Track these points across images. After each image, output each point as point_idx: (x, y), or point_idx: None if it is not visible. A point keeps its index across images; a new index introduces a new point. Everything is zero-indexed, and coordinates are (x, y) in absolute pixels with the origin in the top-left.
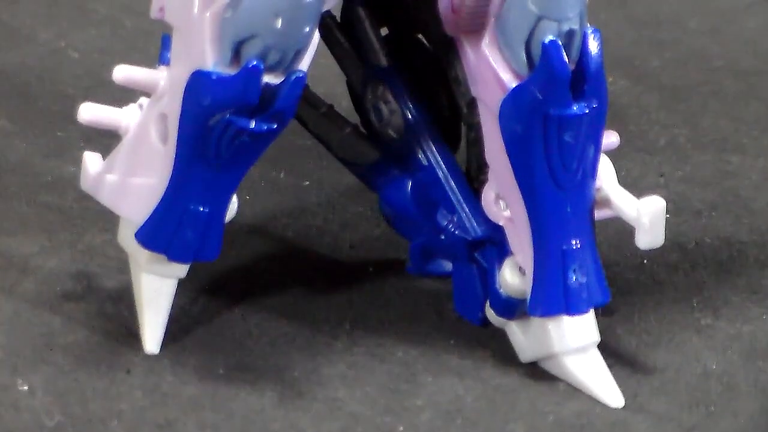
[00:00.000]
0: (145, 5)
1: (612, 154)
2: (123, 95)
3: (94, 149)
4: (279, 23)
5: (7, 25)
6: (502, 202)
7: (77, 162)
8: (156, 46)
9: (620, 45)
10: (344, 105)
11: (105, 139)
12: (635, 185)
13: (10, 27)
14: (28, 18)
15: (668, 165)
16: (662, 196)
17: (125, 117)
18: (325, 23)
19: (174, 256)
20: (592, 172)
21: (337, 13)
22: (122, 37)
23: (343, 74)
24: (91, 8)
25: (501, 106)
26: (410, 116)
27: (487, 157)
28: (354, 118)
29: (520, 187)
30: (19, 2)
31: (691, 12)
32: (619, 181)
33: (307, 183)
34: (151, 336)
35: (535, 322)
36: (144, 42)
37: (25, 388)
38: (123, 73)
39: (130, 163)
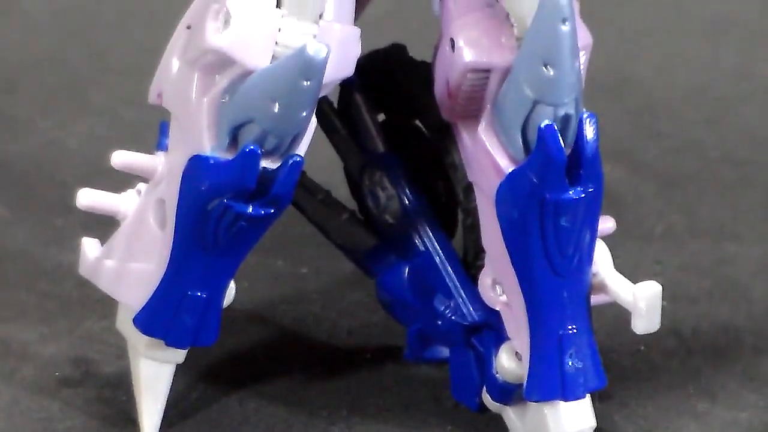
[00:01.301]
0: (144, 96)
1: (609, 243)
2: (121, 185)
3: (92, 237)
4: (276, 108)
5: (6, 114)
6: (499, 287)
7: (76, 250)
8: (154, 137)
9: (617, 134)
10: (342, 192)
11: (104, 228)
12: (632, 273)
13: (9, 116)
14: (26, 108)
15: (665, 253)
16: (659, 284)
17: (123, 202)
18: (323, 109)
19: (172, 342)
20: (588, 257)
21: (335, 99)
22: (120, 127)
23: (340, 161)
24: (90, 99)
25: (497, 191)
26: (407, 202)
27: (483, 242)
28: (351, 204)
29: (516, 272)
30: (18, 92)
31: (687, 102)
32: (615, 269)
33: (305, 270)
34: (149, 422)
35: (532, 407)
36: (142, 133)
37: None
38: (121, 158)
39: (129, 249)
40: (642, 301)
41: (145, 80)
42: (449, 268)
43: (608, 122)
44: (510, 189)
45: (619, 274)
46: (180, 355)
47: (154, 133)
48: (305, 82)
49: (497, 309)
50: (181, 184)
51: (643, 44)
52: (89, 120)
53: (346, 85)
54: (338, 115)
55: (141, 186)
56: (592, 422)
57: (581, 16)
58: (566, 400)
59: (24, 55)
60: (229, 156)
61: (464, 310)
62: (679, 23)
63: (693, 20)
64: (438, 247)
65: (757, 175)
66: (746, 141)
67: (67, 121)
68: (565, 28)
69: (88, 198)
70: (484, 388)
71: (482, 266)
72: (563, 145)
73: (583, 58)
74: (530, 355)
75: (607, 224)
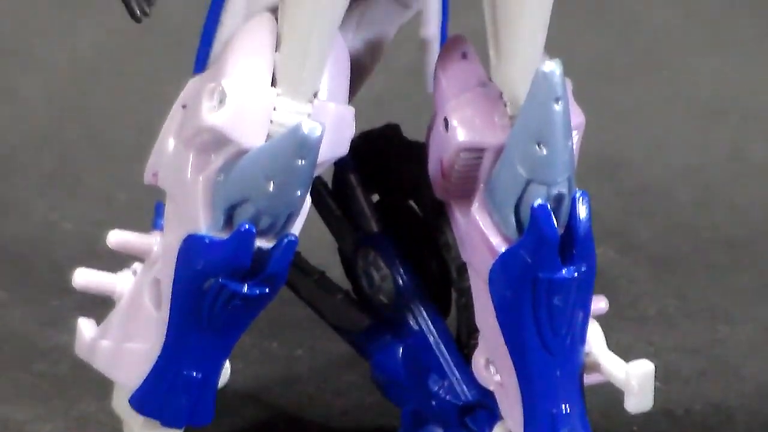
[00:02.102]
0: (139, 179)
1: (602, 325)
2: (116, 267)
3: (88, 318)
4: (271, 187)
5: (1, 197)
6: (493, 366)
7: (71, 331)
8: (149, 219)
9: (609, 217)
10: (336, 273)
11: (99, 309)
12: (625, 354)
13: (5, 199)
14: (22, 190)
15: (658, 334)
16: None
17: (119, 282)
18: (317, 190)
19: (168, 421)
20: (581, 336)
21: (329, 179)
22: (115, 209)
23: (334, 241)
24: (85, 181)
25: (491, 270)
26: (401, 282)
27: (477, 321)
28: (345, 284)
29: (510, 351)
30: (13, 174)
31: (679, 184)
32: (609, 350)
33: (300, 352)
34: None
35: None
36: (137, 215)
37: None
38: (117, 237)
39: (124, 329)
40: (634, 379)
41: (139, 163)
42: (443, 347)
43: (601, 203)
44: (503, 268)
45: (612, 353)
46: None
47: (149, 215)
48: (300, 161)
49: (491, 389)
50: (176, 263)
51: (635, 126)
52: (84, 202)
53: (340, 165)
54: (332, 195)
55: (137, 266)
56: None
57: (574, 95)
58: None
59: (19, 137)
60: (224, 235)
61: (458, 390)
62: (672, 105)
63: (685, 103)
64: (432, 327)
65: (749, 257)
66: (738, 223)
67: (62, 203)
68: (558, 107)
69: (83, 278)
70: None
71: (476, 345)
72: (556, 225)
73: (576, 137)
74: None
75: (599, 304)
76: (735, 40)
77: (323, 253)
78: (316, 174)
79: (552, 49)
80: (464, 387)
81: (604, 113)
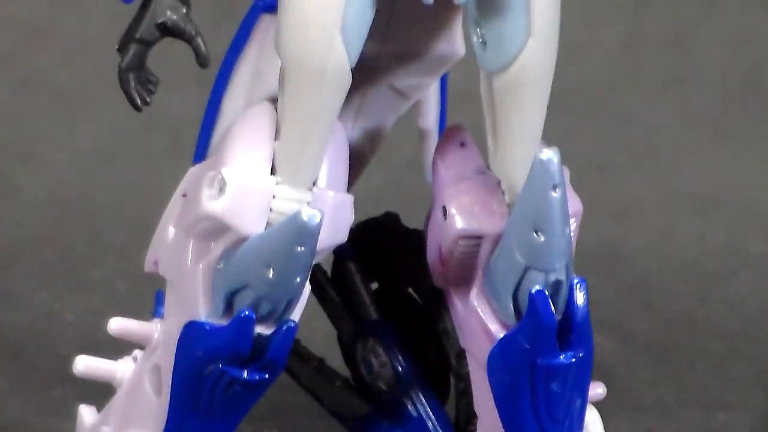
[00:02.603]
0: (139, 270)
1: (600, 412)
2: (117, 357)
3: (89, 405)
4: (270, 274)
5: (2, 287)
6: None
7: (73, 419)
8: (149, 310)
9: (608, 307)
10: (335, 360)
11: (100, 397)
12: None
13: (8, 290)
14: (23, 282)
15: (655, 422)
16: None
17: (119, 369)
18: (316, 277)
19: None
20: (579, 422)
21: (328, 267)
22: (116, 300)
23: (333, 330)
24: (86, 274)
25: (489, 356)
26: (400, 369)
27: (475, 407)
28: (344, 371)
29: None
30: (15, 267)
31: (677, 276)
32: None
33: None
34: None
35: None
36: (138, 305)
37: None
38: (118, 324)
39: (125, 415)
40: None
41: (139, 255)
42: None
43: (599, 295)
44: (501, 354)
45: None
46: None
47: (150, 305)
48: (299, 248)
49: None
50: (177, 349)
51: (633, 219)
52: (85, 294)
53: (339, 253)
54: (331, 283)
55: (137, 353)
56: None
57: (571, 184)
58: None
59: (21, 231)
60: (224, 322)
61: None
62: (669, 199)
63: (682, 197)
64: (430, 413)
65: (746, 347)
66: (735, 314)
67: (63, 294)
68: (556, 194)
69: (84, 364)
70: None
71: (474, 431)
72: (554, 311)
73: (573, 224)
74: None
75: (597, 390)
76: (730, 136)
77: (322, 340)
78: (315, 261)
79: (551, 143)
80: None
81: (602, 206)
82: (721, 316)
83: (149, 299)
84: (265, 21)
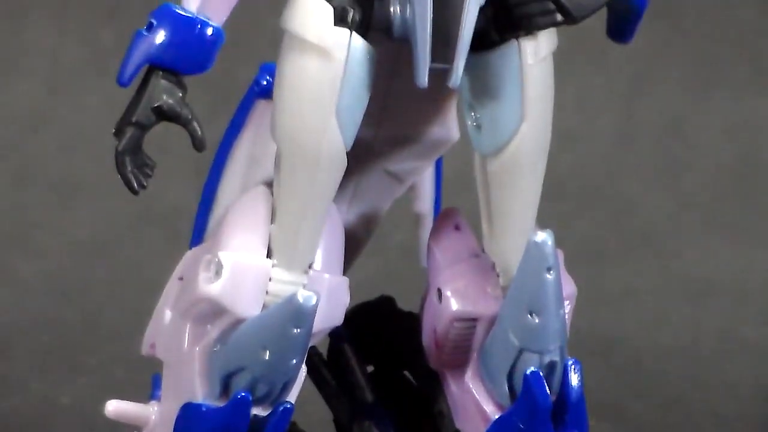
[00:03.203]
0: (135, 355)
1: None
2: None
3: None
4: (267, 356)
5: (1, 374)
6: None
7: None
8: (146, 394)
9: (603, 391)
10: None
11: None
12: None
13: (4, 376)
14: (20, 367)
15: None
16: None
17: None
18: (312, 359)
19: None
20: None
21: (324, 350)
22: (113, 385)
23: (329, 412)
24: (82, 359)
25: None
26: None
27: None
28: None
29: None
30: (11, 352)
31: (672, 360)
32: None
33: None
34: None
35: None
36: (134, 390)
37: None
38: (115, 407)
39: None
40: None
41: (135, 340)
42: None
43: (595, 378)
44: None
45: None
46: None
47: (146, 389)
48: (295, 330)
49: None
50: (174, 431)
51: (628, 304)
52: (81, 378)
53: (335, 335)
54: (327, 365)
55: None
56: None
57: (565, 267)
58: None
59: (18, 317)
60: (220, 403)
61: None
62: (665, 285)
63: (677, 283)
64: None
65: (742, 429)
66: (730, 397)
67: (60, 379)
68: (550, 276)
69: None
70: None
71: None
72: (549, 392)
73: (567, 306)
74: None
75: None
76: (724, 222)
77: (318, 422)
78: (311, 344)
79: (548, 229)
80: None
81: (598, 292)
82: (716, 399)
83: (146, 384)
84: (261, 106)
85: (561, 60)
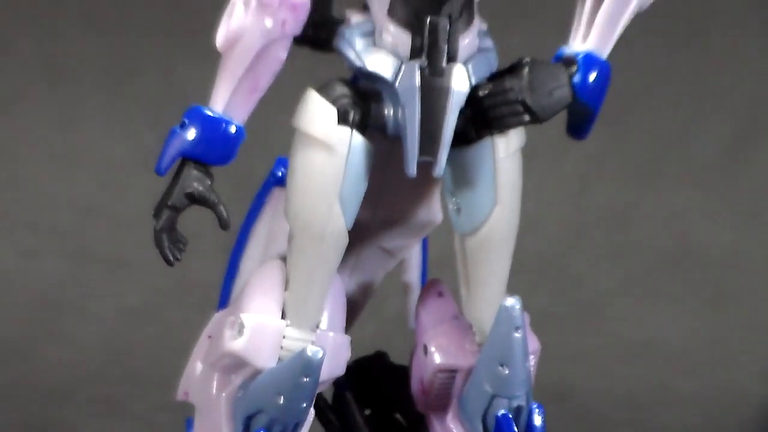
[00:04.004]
0: (175, 402)
1: None
2: None
3: None
4: (281, 401)
5: (59, 418)
6: None
7: None
8: None
9: (559, 430)
10: None
11: None
12: None
13: (63, 420)
14: (76, 413)
15: None
16: None
17: None
18: (319, 404)
19: None
20: None
21: (329, 396)
22: (155, 428)
23: None
24: (130, 407)
25: None
26: None
27: None
28: None
29: None
30: (70, 403)
31: (617, 407)
32: None
33: None
34: None
35: None
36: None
37: None
38: None
39: None
40: None
41: (173, 390)
42: None
43: (553, 420)
44: None
45: None
46: None
47: (182, 430)
48: (305, 379)
49: None
50: None
51: (580, 360)
52: (129, 423)
53: (338, 384)
54: (332, 409)
55: None
56: None
57: (530, 327)
58: None
59: (76, 370)
60: None
61: None
62: (609, 345)
63: (621, 343)
64: None
65: None
66: None
67: (110, 423)
68: (518, 335)
69: None
70: None
71: None
72: (516, 431)
73: (532, 360)
74: None
75: None
76: (659, 295)
77: None
78: (318, 390)
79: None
80: None
81: (555, 350)
82: None
83: (182, 426)
84: (276, 192)
85: (524, 156)
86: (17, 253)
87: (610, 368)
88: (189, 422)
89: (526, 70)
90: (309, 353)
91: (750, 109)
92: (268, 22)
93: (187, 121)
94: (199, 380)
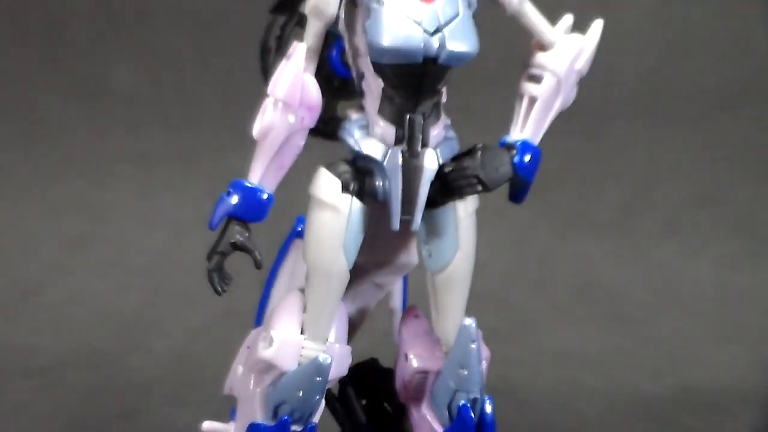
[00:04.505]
0: (222, 395)
1: None
2: None
3: None
4: (300, 394)
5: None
6: None
7: None
8: (228, 420)
9: (500, 412)
10: None
11: None
12: None
13: (138, 408)
14: (155, 402)
15: None
16: None
17: None
18: (328, 397)
19: None
20: None
21: (335, 390)
22: (211, 414)
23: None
24: (190, 398)
25: None
26: None
27: None
28: None
29: None
30: (149, 392)
31: (547, 395)
32: None
33: None
34: None
35: None
36: (223, 419)
37: None
38: (207, 426)
39: None
40: None
41: (220, 388)
42: None
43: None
44: None
45: None
46: None
47: (228, 415)
48: (318, 378)
49: None
50: None
51: (519, 366)
52: (191, 410)
53: (342, 381)
54: (338, 400)
55: None
56: None
57: (482, 339)
58: None
59: (153, 373)
60: (272, 423)
61: None
62: (538, 354)
63: (548, 352)
64: None
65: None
66: (579, 413)
67: (178, 411)
68: (474, 346)
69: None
70: None
71: None
72: (473, 416)
73: (484, 364)
74: None
75: None
76: (577, 315)
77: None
78: (327, 387)
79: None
80: None
81: (501, 358)
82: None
83: (227, 412)
84: (297, 242)
85: (478, 215)
86: (111, 287)
87: (540, 370)
88: (233, 411)
89: (479, 153)
90: (321, 360)
91: (639, 183)
92: (291, 119)
93: (231, 190)
94: (240, 379)
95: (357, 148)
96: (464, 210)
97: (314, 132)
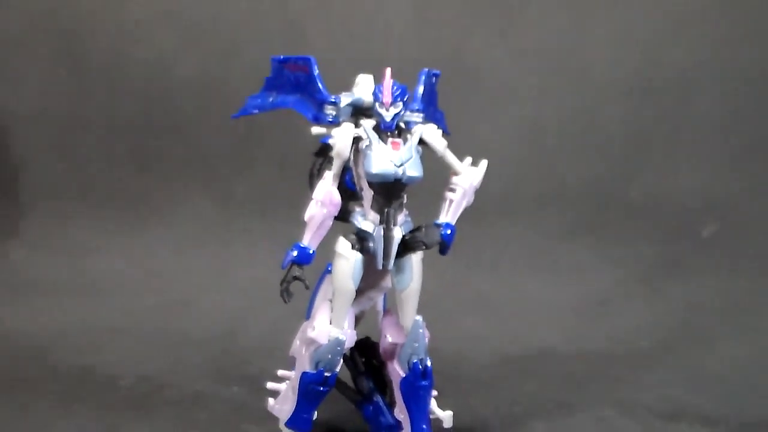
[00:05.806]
0: (284, 360)
1: None
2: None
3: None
4: (329, 356)
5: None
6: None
7: None
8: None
9: (440, 376)
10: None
11: None
12: None
13: (200, 376)
14: (206, 378)
15: None
16: None
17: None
18: (344, 357)
19: None
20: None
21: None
22: (268, 377)
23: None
24: (246, 370)
25: (400, 381)
26: (370, 383)
27: (394, 396)
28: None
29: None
30: (199, 366)
31: (463, 364)
32: None
33: None
34: None
35: None
36: (279, 380)
37: None
38: (272, 386)
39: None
40: None
41: (284, 355)
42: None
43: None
44: (404, 381)
45: None
46: None
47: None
48: (338, 348)
49: None
50: (299, 381)
51: (466, 338)
52: (246, 381)
53: (351, 349)
54: (349, 359)
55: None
56: None
57: (426, 327)
58: None
59: (204, 346)
60: (314, 371)
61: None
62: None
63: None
64: (379, 395)
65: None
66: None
67: (233, 378)
68: (421, 330)
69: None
70: None
71: (394, 404)
72: (420, 368)
73: (426, 340)
74: None
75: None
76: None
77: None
78: (343, 352)
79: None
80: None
81: (437, 334)
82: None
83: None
84: (328, 276)
85: (424, 262)
86: (226, 298)
87: (459, 345)
88: (293, 365)
89: (423, 228)
90: (340, 338)
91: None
92: (324, 211)
93: (293, 248)
94: (297, 347)
95: (359, 227)
96: (416, 258)
97: (337, 218)
